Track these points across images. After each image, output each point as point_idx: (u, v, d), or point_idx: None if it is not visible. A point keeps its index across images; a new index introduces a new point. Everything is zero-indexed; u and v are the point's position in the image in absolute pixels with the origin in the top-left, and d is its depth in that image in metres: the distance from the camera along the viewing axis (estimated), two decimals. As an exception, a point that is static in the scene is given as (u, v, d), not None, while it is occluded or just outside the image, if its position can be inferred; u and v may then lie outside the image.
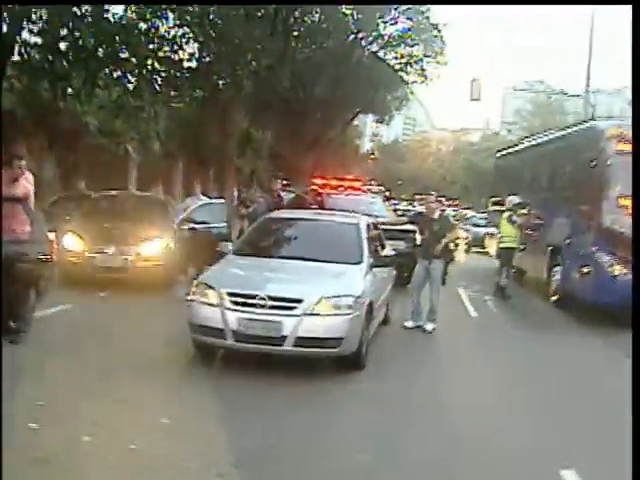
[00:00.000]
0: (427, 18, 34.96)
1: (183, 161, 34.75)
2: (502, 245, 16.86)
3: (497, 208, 19.38)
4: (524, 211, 17.34)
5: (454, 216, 35.23)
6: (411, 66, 36.59)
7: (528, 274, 18.69)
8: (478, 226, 32.40)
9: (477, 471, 5.92)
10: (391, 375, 8.84)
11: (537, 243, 17.17)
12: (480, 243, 27.40)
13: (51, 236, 10.16)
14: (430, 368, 9.73)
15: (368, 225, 10.99)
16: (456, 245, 19.22)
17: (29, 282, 9.21)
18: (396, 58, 36.75)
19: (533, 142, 21.19)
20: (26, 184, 9.50)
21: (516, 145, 24.00)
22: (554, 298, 15.19)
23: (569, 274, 14.31)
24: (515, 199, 17.23)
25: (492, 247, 21.75)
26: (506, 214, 16.98)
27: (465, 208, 54.05)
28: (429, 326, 11.87)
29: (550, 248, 15.84)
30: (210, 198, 18.35)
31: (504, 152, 25.38)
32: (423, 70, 36.75)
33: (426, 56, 36.03)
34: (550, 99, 64.48)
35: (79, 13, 18.39)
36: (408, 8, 34.30)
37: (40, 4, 18.64)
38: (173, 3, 20.58)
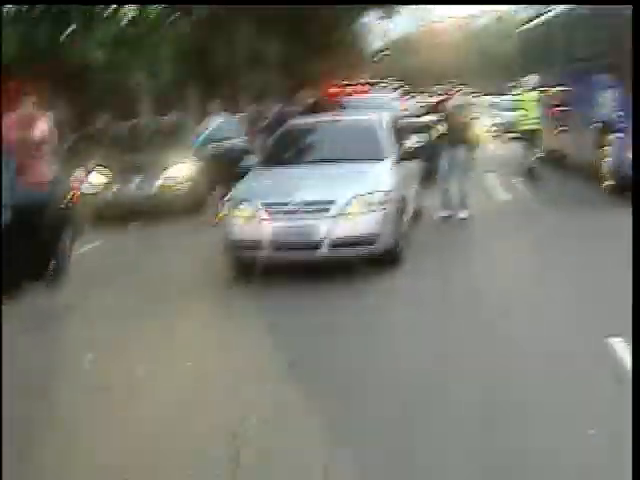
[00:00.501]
0: None
1: (195, 83, 34.39)
2: (526, 127, 16.38)
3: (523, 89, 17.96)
4: (552, 89, 16.66)
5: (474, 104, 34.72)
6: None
7: (571, 157, 16.41)
8: (508, 110, 31.65)
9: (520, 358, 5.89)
10: (427, 269, 8.73)
11: (578, 121, 14.97)
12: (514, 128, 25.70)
13: (77, 174, 10.16)
14: (466, 257, 9.59)
15: (389, 120, 10.85)
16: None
17: (61, 224, 9.24)
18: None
19: (566, 6, 17.34)
20: (44, 126, 9.46)
21: (543, 14, 20.47)
22: (607, 184, 12.98)
23: (623, 153, 11.84)
24: (535, 77, 16.76)
25: None
26: (533, 94, 16.40)
27: (486, 94, 53.11)
28: (462, 214, 11.81)
29: (597, 125, 13.44)
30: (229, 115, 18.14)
31: (530, 25, 22.06)
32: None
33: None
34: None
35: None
36: None
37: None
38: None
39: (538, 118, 16.40)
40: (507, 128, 27.43)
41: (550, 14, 19.00)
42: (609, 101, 12.86)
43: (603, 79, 13.12)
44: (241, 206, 8.56)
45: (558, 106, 16.29)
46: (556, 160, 17.36)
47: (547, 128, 16.95)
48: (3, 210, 7.43)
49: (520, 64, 22.51)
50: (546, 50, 18.74)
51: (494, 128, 29.87)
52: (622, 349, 5.57)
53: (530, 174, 16.13)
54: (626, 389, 4.40)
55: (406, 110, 16.39)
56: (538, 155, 16.83)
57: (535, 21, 21.11)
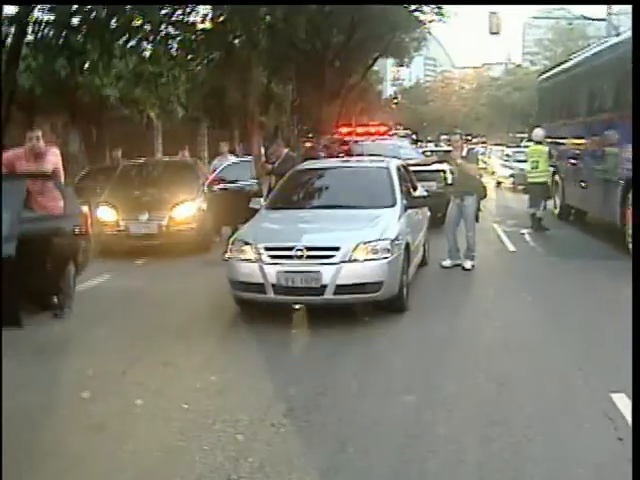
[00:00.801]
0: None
1: (207, 123, 34.70)
2: (535, 180, 16.57)
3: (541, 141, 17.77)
4: (561, 141, 16.70)
5: (482, 155, 34.88)
6: (427, 5, 35.86)
7: (592, 214, 15.90)
8: (520, 162, 31.86)
9: (522, 404, 5.91)
10: (433, 317, 8.78)
11: (600, 176, 13.92)
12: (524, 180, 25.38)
13: (84, 209, 10.21)
14: (471, 306, 9.66)
15: (398, 167, 10.90)
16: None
17: (67, 256, 9.29)
18: (411, -1, 35.99)
19: (591, 52, 16.62)
20: (53, 159, 9.50)
21: (565, 62, 19.62)
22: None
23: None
24: (541, 131, 16.95)
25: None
26: (542, 147, 16.70)
27: (495, 144, 53.46)
28: (468, 264, 11.81)
29: (623, 182, 12.38)
30: (237, 157, 18.30)
31: (549, 73, 21.18)
32: (440, 8, 36.05)
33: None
34: (571, 25, 63.08)
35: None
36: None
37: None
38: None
39: (547, 171, 16.66)
40: (517, 179, 27.70)
41: (572, 61, 18.16)
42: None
43: (627, 131, 11.74)
44: (245, 248, 8.56)
45: (575, 158, 15.98)
46: (576, 217, 17.05)
47: (567, 182, 16.69)
48: (8, 240, 7.42)
49: (538, 113, 22.02)
50: (566, 99, 18.03)
51: (511, 179, 30.07)
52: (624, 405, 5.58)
53: (538, 225, 16.33)
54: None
55: (415, 158, 16.37)
56: (545, 207, 16.86)
57: (557, 69, 20.18)
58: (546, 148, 16.76)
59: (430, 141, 64.69)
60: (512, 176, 29.99)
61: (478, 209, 12.31)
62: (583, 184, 15.20)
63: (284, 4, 24.77)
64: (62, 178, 9.69)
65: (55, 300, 9.10)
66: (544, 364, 6.97)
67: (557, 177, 17.80)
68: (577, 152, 15.94)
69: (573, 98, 17.17)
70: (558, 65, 20.31)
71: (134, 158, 18.04)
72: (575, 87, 16.95)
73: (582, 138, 15.48)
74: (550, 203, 17.92)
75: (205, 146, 33.78)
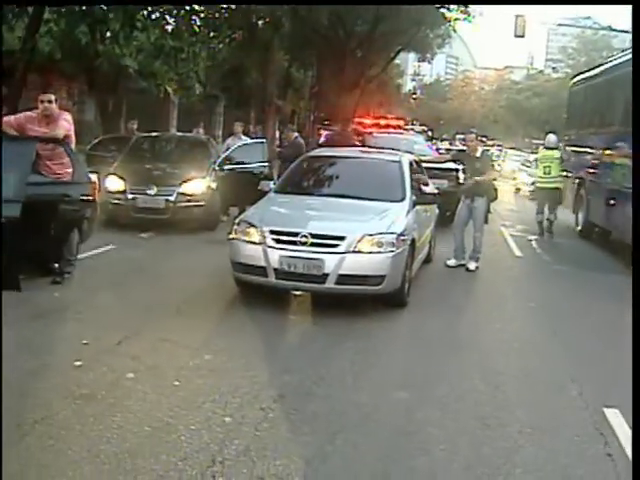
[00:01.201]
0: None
1: (224, 102, 34.62)
2: (545, 185, 16.56)
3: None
4: (590, 151, 16.33)
5: (497, 157, 34.59)
6: (454, 4, 35.63)
7: (616, 235, 14.33)
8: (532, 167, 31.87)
9: (516, 409, 5.87)
10: (433, 314, 8.76)
11: (627, 194, 12.11)
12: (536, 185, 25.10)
13: (93, 178, 10.16)
14: (471, 307, 9.63)
15: (410, 162, 10.82)
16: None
17: (72, 223, 9.25)
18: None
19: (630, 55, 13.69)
20: (65, 124, 9.42)
21: (601, 65, 17.94)
22: None
23: None
24: (553, 137, 16.93)
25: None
26: (557, 153, 16.68)
27: (510, 148, 53.28)
28: (472, 265, 11.76)
29: None
30: (252, 138, 18.23)
31: (584, 75, 19.38)
32: (466, 7, 35.83)
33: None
34: (596, 35, 62.76)
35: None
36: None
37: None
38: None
39: (559, 176, 16.53)
40: (530, 184, 27.63)
41: (609, 64, 16.67)
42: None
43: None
44: (250, 230, 8.51)
45: (604, 171, 14.76)
46: (599, 236, 15.88)
47: (592, 197, 15.68)
48: (13, 202, 7.39)
49: (568, 120, 20.53)
50: (600, 105, 16.48)
51: (529, 183, 29.92)
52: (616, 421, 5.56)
53: (548, 230, 16.43)
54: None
55: (428, 155, 16.30)
56: (556, 216, 16.72)
57: (592, 71, 18.40)
58: (558, 153, 16.68)
59: (445, 139, 64.41)
60: (533, 184, 29.90)
61: (488, 211, 12.24)
62: (611, 201, 13.78)
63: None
64: (73, 144, 9.62)
65: (56, 266, 9.08)
66: (540, 371, 6.95)
67: (582, 190, 16.59)
68: (606, 164, 14.62)
69: (609, 104, 15.55)
70: (594, 68, 18.78)
71: (149, 131, 17.98)
72: (612, 92, 15.33)
73: (614, 149, 14.15)
74: (564, 214, 17.43)
75: (221, 125, 33.76)
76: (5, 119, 9.26)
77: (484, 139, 17.18)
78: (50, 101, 9.26)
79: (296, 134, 16.55)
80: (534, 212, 17.19)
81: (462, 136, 27.40)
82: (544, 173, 16.58)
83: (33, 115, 9.27)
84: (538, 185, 17.12)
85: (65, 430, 4.92)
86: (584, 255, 14.61)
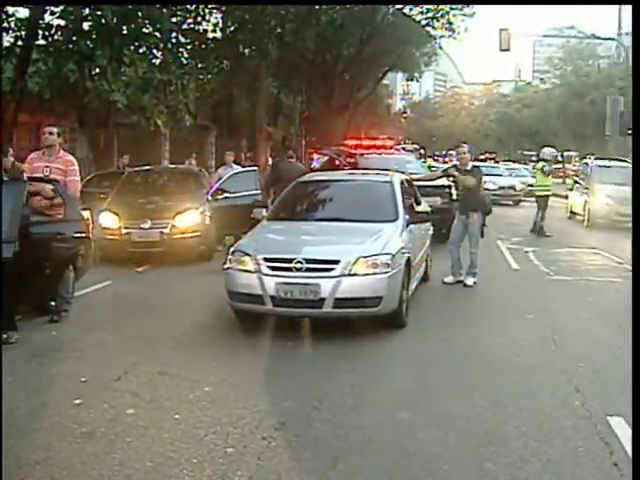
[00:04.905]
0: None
1: (215, 132, 34.70)
2: (541, 193, 19.00)
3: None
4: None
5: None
6: (437, 20, 35.92)
7: None
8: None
9: (519, 424, 5.84)
10: (432, 333, 8.72)
11: None
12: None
13: (86, 214, 10.18)
14: (470, 323, 9.55)
15: (402, 182, 10.84)
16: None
17: (67, 261, 9.27)
18: (422, 13, 36.01)
19: None
20: (69, 165, 9.54)
21: None
22: None
23: None
24: (548, 149, 18.52)
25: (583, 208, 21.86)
26: (539, 164, 19.33)
27: (506, 161, 53.41)
28: (469, 280, 11.75)
29: None
30: (243, 167, 18.28)
31: None
32: (450, 23, 36.11)
33: (452, 9, 35.28)
34: (581, 44, 63.05)
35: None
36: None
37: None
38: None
39: (547, 186, 19.06)
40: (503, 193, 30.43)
41: None
42: None
43: None
44: (244, 258, 8.51)
45: None
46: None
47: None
48: (7, 243, 7.41)
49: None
50: None
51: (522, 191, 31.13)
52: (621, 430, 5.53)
53: (539, 231, 18.68)
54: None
55: (420, 174, 16.34)
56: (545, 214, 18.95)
57: None
58: (540, 164, 19.32)
59: (437, 156, 64.54)
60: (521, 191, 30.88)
61: (483, 224, 12.23)
62: None
63: (286, 4, 24.78)
64: (79, 186, 9.81)
65: (53, 305, 9.07)
66: (542, 383, 6.91)
67: None
68: None
69: None
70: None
71: (141, 165, 18.01)
72: None
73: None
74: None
75: (213, 155, 33.79)
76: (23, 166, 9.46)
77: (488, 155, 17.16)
78: (52, 133, 9.44)
79: (273, 159, 16.88)
80: (529, 224, 19.41)
81: (454, 152, 27.67)
82: (538, 183, 19.43)
83: (35, 156, 9.49)
84: (536, 193, 19.66)
85: (67, 470, 4.90)
86: (584, 262, 14.58)
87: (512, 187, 31.61)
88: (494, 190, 29.44)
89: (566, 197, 26.27)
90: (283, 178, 12.47)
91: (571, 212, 23.88)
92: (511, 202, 30.87)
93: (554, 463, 5.06)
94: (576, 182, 24.55)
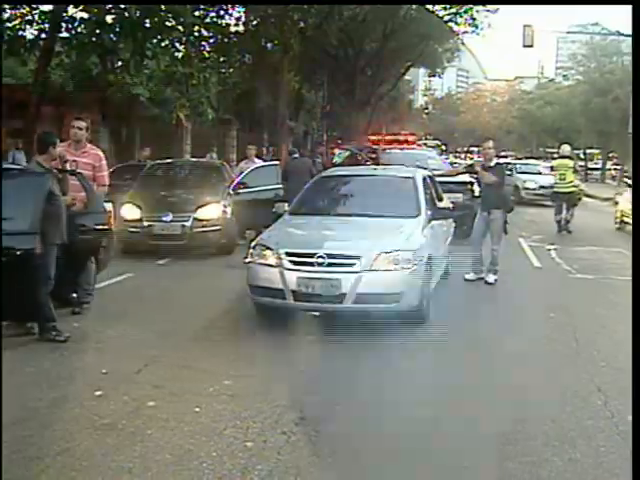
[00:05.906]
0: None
1: (236, 126, 34.74)
2: (561, 190, 18.94)
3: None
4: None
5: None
6: (460, 16, 35.70)
7: None
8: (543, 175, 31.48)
9: (540, 422, 5.80)
10: (454, 330, 8.60)
11: None
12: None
13: (109, 207, 10.20)
14: (492, 320, 9.50)
15: (424, 178, 10.79)
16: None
17: (89, 253, 9.29)
18: (445, 8, 35.80)
19: None
20: (97, 159, 9.57)
21: None
22: None
23: None
24: (567, 147, 18.83)
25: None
26: (570, 162, 19.10)
27: (528, 157, 53.03)
28: (491, 277, 11.67)
29: None
30: (265, 161, 18.28)
31: None
32: (473, 19, 35.89)
33: (475, 4, 35.02)
34: (605, 41, 62.43)
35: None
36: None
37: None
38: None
39: (573, 182, 18.97)
40: (545, 192, 27.48)
41: None
42: None
43: None
44: (266, 252, 8.51)
45: None
46: None
47: None
48: (29, 234, 7.44)
49: None
50: None
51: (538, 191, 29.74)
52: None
53: (565, 228, 18.70)
54: None
55: (442, 170, 16.29)
56: (572, 214, 18.96)
57: None
58: (571, 162, 19.15)
59: (458, 152, 64.25)
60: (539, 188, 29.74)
61: (505, 222, 12.14)
62: None
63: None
64: (106, 183, 9.81)
65: (75, 296, 9.10)
66: (563, 381, 6.86)
67: None
68: None
69: None
70: None
71: (162, 158, 18.07)
72: None
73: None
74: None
75: (234, 148, 33.85)
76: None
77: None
78: (80, 127, 9.45)
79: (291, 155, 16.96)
80: (551, 223, 19.21)
81: (477, 147, 27.49)
82: (559, 179, 18.91)
83: (61, 148, 9.48)
84: (555, 190, 19.42)
85: (87, 461, 4.91)
86: (605, 261, 14.47)
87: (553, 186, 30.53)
88: (534, 190, 28.83)
89: (615, 203, 22.17)
90: (292, 173, 12.68)
91: (622, 222, 19.83)
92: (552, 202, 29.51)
93: (576, 463, 5.02)
94: (629, 185, 20.16)
